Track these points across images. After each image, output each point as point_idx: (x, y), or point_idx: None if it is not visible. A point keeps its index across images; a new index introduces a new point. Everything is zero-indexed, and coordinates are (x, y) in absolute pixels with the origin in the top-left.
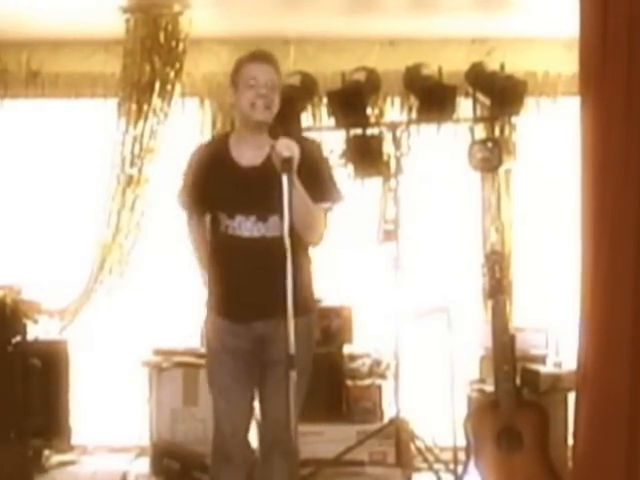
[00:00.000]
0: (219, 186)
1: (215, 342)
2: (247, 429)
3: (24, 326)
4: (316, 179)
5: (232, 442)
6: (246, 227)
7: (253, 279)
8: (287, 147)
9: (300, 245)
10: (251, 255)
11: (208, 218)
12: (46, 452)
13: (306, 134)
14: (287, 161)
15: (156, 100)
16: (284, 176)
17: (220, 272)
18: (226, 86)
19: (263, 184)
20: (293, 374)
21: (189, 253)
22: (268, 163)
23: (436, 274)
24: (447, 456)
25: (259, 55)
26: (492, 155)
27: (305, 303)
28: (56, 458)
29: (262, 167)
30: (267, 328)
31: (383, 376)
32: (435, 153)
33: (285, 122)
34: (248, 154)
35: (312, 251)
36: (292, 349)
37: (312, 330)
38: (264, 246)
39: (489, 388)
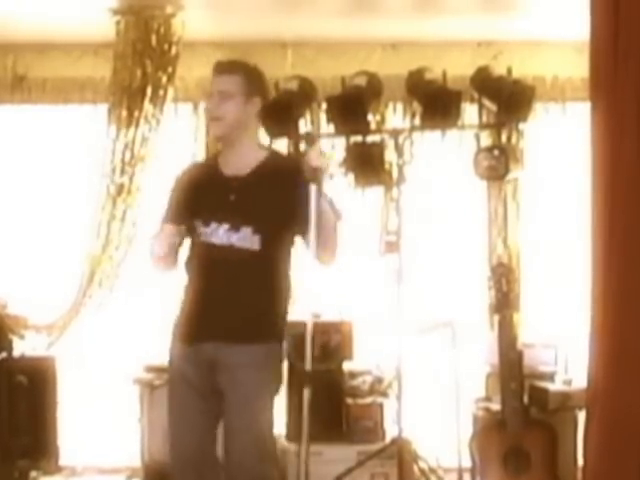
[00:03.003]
0: (201, 197)
1: (170, 367)
2: (196, 463)
3: (10, 342)
4: None
5: (181, 472)
6: (218, 234)
7: (213, 293)
8: (317, 157)
9: (280, 263)
10: (217, 265)
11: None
12: (33, 473)
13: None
14: (316, 170)
15: (148, 106)
16: (312, 186)
17: (188, 287)
18: None
19: (243, 194)
20: (307, 391)
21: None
22: (255, 175)
23: (440, 288)
24: (452, 478)
25: (215, 67)
26: (499, 163)
27: (267, 329)
28: None
29: (247, 178)
30: (218, 352)
31: (385, 394)
32: (439, 161)
33: (282, 129)
34: (236, 164)
35: (293, 273)
36: (308, 366)
37: (271, 364)
38: (231, 257)
39: (495, 407)
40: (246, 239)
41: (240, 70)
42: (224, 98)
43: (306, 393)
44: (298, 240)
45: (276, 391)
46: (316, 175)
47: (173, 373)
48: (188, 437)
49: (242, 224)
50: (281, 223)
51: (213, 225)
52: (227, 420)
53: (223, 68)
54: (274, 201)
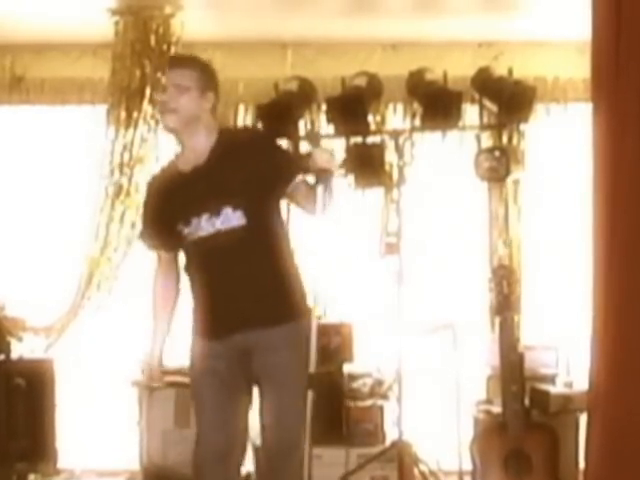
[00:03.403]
0: (173, 202)
1: (194, 364)
2: (226, 456)
3: (8, 344)
4: (280, 161)
5: (208, 470)
6: (201, 226)
7: (221, 285)
8: (326, 159)
9: (274, 231)
10: (213, 255)
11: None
12: (31, 476)
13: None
14: (323, 172)
15: (147, 106)
16: (319, 187)
17: (193, 288)
18: (220, 92)
19: (209, 180)
20: (310, 394)
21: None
22: (213, 156)
23: (441, 289)
24: None
25: (171, 61)
26: (500, 164)
27: (289, 307)
28: None
29: (206, 163)
30: (247, 340)
31: (385, 396)
32: (439, 162)
33: (282, 129)
34: (193, 158)
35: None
36: (312, 368)
37: (301, 339)
38: (223, 242)
39: (496, 409)
40: (230, 219)
41: (196, 65)
42: (180, 91)
43: (309, 396)
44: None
45: (307, 368)
46: (324, 176)
47: (198, 371)
48: (214, 436)
49: (220, 206)
50: (256, 190)
51: (194, 221)
52: (266, 404)
53: (179, 62)
54: (240, 173)
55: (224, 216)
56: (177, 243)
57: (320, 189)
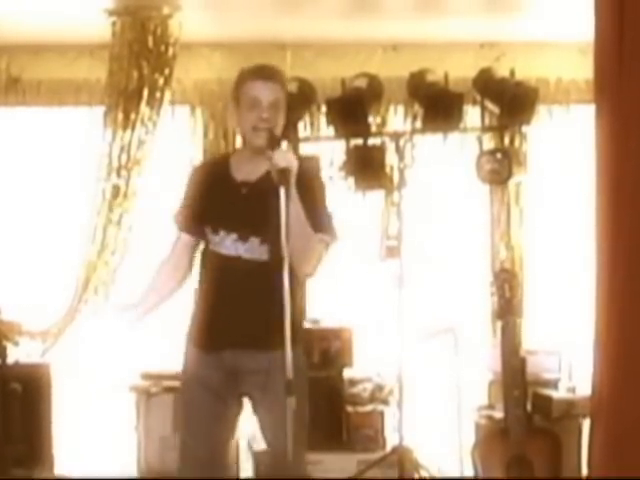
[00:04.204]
0: (210, 201)
1: (185, 373)
2: (209, 466)
3: (4, 349)
4: (310, 207)
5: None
6: (225, 245)
7: (225, 303)
8: (284, 158)
9: (291, 272)
10: (226, 276)
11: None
12: None
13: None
14: (283, 172)
15: (144, 108)
16: (281, 189)
17: (199, 294)
18: (219, 94)
19: (252, 202)
20: (291, 400)
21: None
22: (265, 180)
23: (442, 293)
24: None
25: (262, 71)
26: (501, 167)
27: (282, 335)
28: None
29: (256, 183)
30: (237, 360)
31: (385, 402)
32: (441, 165)
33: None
34: (246, 169)
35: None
36: (290, 374)
37: (297, 362)
38: (240, 268)
39: (498, 414)
40: (254, 250)
41: (283, 78)
42: (276, 109)
43: (289, 402)
44: None
45: (304, 391)
46: (283, 177)
47: (189, 379)
48: (202, 446)
49: (250, 234)
50: None
51: (221, 233)
52: (262, 417)
53: (274, 75)
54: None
55: (250, 245)
56: (201, 236)
57: (281, 192)
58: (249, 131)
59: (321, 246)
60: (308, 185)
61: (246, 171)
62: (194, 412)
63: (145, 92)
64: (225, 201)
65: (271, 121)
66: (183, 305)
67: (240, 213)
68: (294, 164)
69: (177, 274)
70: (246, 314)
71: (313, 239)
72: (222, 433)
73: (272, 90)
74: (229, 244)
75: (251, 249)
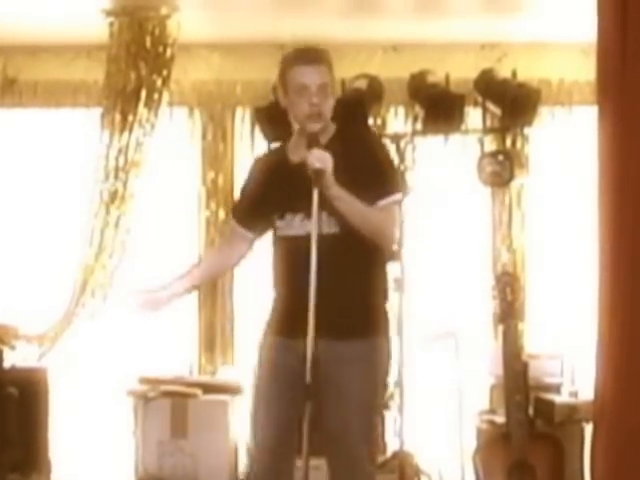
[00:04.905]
0: (273, 189)
1: (261, 360)
2: (275, 450)
3: (0, 353)
4: (361, 176)
5: (259, 461)
6: (293, 225)
7: (303, 289)
8: (319, 158)
9: (367, 244)
10: (299, 257)
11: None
12: None
13: None
14: (318, 173)
15: (142, 110)
16: (314, 190)
17: (276, 283)
18: (217, 95)
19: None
20: (309, 405)
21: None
22: None
23: (443, 297)
24: None
25: (306, 55)
26: (503, 169)
27: (365, 322)
28: None
29: None
30: (316, 349)
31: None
32: (442, 166)
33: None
34: (303, 151)
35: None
36: (308, 378)
37: (375, 356)
38: (311, 246)
39: (500, 419)
40: (323, 224)
41: (327, 57)
42: (325, 93)
43: (307, 407)
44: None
45: (384, 387)
46: (317, 178)
47: (265, 365)
48: (270, 430)
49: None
50: (356, 197)
51: (288, 217)
52: (330, 414)
53: (318, 57)
54: (343, 177)
55: (319, 220)
56: (265, 229)
57: (314, 194)
58: (303, 119)
59: (384, 214)
60: (353, 152)
61: (303, 153)
62: (264, 397)
63: (143, 93)
64: (286, 185)
65: (320, 105)
66: (181, 312)
67: (302, 192)
68: (329, 165)
69: (219, 258)
70: (326, 298)
71: (373, 216)
72: (289, 418)
73: (319, 73)
74: (297, 224)
75: (320, 224)
